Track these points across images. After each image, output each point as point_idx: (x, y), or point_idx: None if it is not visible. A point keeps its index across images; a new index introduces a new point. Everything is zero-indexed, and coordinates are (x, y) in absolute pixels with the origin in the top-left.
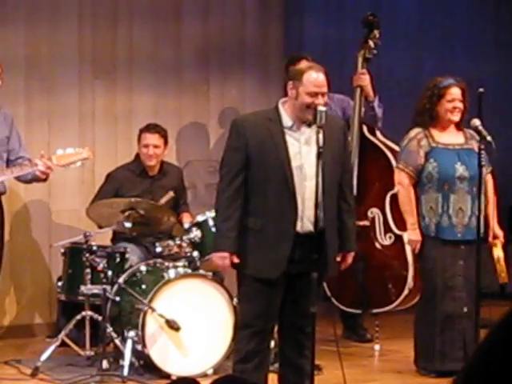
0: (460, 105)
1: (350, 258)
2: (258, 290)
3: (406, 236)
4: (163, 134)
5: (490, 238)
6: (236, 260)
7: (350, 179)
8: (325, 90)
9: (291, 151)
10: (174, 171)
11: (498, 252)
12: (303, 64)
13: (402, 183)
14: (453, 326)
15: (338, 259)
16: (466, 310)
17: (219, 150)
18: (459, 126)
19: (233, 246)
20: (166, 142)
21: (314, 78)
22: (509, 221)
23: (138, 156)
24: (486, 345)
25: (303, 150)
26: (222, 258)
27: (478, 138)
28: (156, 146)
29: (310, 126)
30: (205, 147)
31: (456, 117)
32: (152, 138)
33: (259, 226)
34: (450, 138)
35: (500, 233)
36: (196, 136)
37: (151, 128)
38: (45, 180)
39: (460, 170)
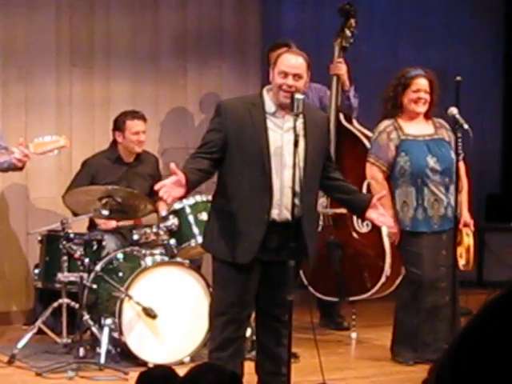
0: (425, 96)
1: (377, 203)
2: (232, 277)
3: (384, 228)
4: (146, 120)
5: (461, 226)
6: (180, 174)
7: (335, 166)
8: (296, 71)
9: (271, 137)
10: (150, 159)
11: (469, 240)
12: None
13: (376, 178)
14: (437, 315)
15: (373, 215)
16: (448, 298)
17: (197, 137)
18: (428, 116)
19: (186, 169)
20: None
21: (287, 59)
22: (486, 209)
23: (114, 143)
24: (460, 339)
25: (284, 138)
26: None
27: (447, 126)
28: (144, 132)
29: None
30: (182, 135)
31: (420, 108)
32: (141, 125)
33: (234, 209)
34: (419, 129)
35: (470, 221)
36: (173, 124)
37: (136, 114)
38: (21, 169)
39: (431, 162)
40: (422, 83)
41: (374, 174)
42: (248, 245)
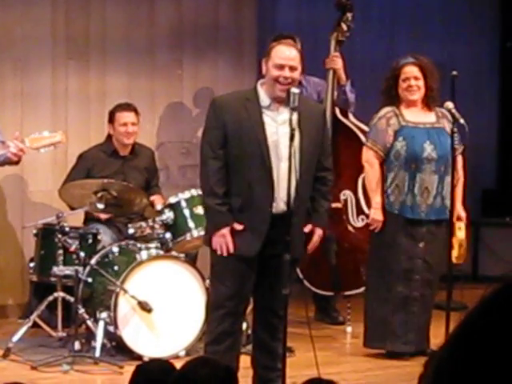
0: (415, 82)
1: (318, 234)
2: (232, 270)
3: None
4: (137, 112)
5: (454, 219)
6: (239, 227)
7: (331, 163)
8: (292, 63)
9: (268, 130)
10: (146, 152)
11: (462, 234)
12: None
13: (370, 162)
14: (406, 308)
15: (306, 230)
16: (420, 293)
17: (192, 131)
18: (429, 105)
19: (229, 218)
20: (138, 121)
21: (281, 51)
22: (481, 204)
23: (109, 137)
24: (457, 333)
25: (280, 131)
26: (222, 237)
27: (450, 117)
28: (133, 124)
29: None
30: (177, 129)
31: (414, 96)
32: (129, 116)
33: (238, 204)
34: (421, 116)
35: (463, 214)
36: (169, 117)
37: (126, 106)
38: (17, 163)
39: (428, 149)
40: (409, 71)
41: (369, 158)
42: (253, 238)
